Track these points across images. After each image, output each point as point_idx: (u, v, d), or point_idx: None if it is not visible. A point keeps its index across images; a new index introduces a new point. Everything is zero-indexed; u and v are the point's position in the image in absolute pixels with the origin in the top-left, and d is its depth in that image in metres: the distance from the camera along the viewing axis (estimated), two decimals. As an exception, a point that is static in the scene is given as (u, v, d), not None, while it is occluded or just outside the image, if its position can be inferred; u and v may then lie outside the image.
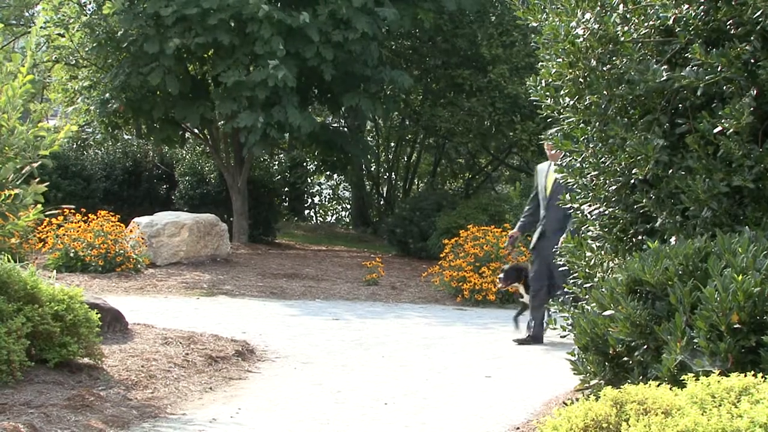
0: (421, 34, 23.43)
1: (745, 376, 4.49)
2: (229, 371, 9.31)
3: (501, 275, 12.30)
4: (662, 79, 6.44)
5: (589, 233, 7.58)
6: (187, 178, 24.94)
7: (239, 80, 18.25)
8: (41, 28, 18.74)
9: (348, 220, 33.48)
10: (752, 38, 6.26)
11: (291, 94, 18.62)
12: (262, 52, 18.08)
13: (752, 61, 6.27)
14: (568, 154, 7.48)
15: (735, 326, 5.10)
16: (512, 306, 15.51)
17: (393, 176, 31.24)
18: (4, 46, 24.05)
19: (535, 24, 7.43)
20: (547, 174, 11.48)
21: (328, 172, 30.83)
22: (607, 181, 7.17)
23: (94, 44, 19.98)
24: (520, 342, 11.65)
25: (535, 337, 11.62)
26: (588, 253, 7.32)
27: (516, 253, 14.79)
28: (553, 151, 10.80)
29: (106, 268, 16.27)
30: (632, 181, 6.95)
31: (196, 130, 22.75)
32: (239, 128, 18.97)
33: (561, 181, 10.02)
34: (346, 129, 27.73)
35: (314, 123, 19.90)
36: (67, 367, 8.29)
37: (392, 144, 31.26)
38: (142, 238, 17.49)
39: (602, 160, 7.11)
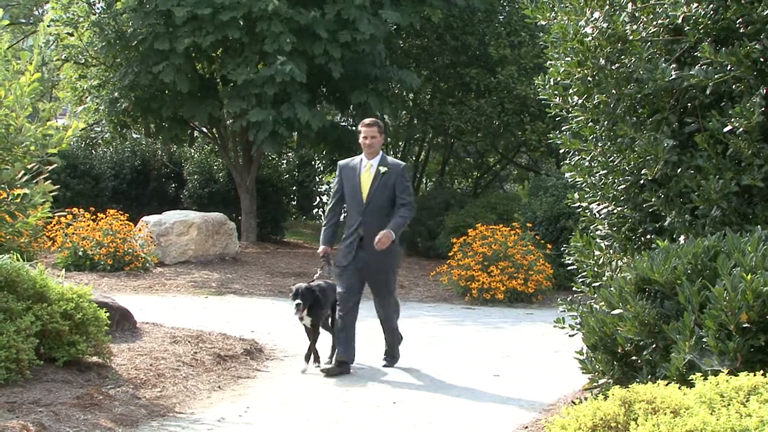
0: (429, 33, 23.41)
1: (754, 375, 4.49)
2: (238, 370, 9.32)
3: (297, 300, 9.30)
4: (671, 77, 6.44)
5: (598, 232, 7.57)
6: (195, 176, 24.98)
7: (248, 78, 18.27)
8: (48, 26, 18.77)
9: (356, 219, 33.42)
10: (762, 37, 6.25)
11: (300, 91, 18.63)
12: (271, 50, 18.11)
13: (762, 59, 6.27)
14: (577, 153, 7.49)
15: (744, 325, 5.09)
16: (522, 305, 15.53)
17: (401, 175, 31.17)
18: (12, 45, 24.09)
19: (543, 23, 7.43)
20: (360, 172, 9.53)
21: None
22: (616, 180, 7.16)
23: (103, 43, 20.02)
24: (329, 373, 9.31)
25: (345, 361, 9.46)
26: (596, 252, 7.32)
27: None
28: (369, 141, 9.49)
29: (115, 267, 16.31)
30: (641, 180, 6.95)
31: (204, 129, 22.79)
32: (248, 126, 18.98)
33: (386, 180, 9.34)
34: (354, 128, 27.72)
35: (323, 120, 19.92)
36: (75, 366, 8.30)
37: (400, 143, 31.23)
38: (151, 237, 17.52)
39: (611, 159, 7.11)
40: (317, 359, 9.66)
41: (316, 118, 19.05)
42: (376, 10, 19.16)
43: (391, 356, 9.98)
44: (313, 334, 9.64)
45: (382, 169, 9.39)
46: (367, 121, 9.62)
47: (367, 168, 9.48)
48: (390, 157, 9.77)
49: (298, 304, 9.30)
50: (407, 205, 9.41)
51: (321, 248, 9.70)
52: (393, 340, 10.02)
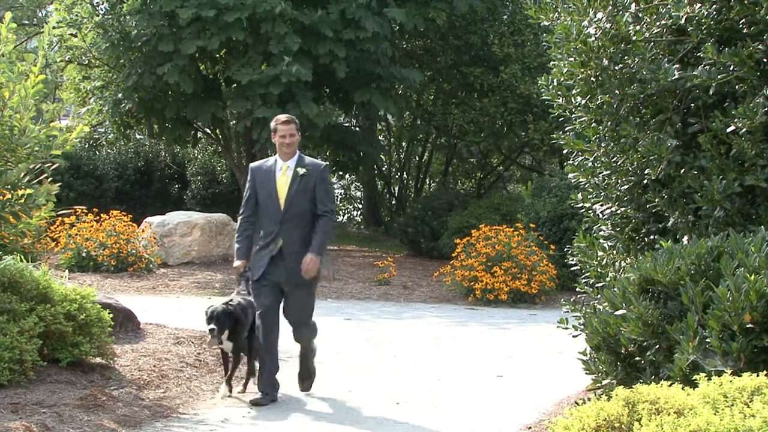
0: (433, 33, 23.42)
1: (758, 375, 4.48)
2: (241, 371, 9.32)
3: (212, 325, 8.10)
4: (674, 78, 6.44)
5: (601, 233, 7.57)
6: (198, 177, 25.00)
7: (254, 78, 18.28)
8: (54, 27, 18.82)
9: (359, 219, 33.48)
10: (765, 37, 6.25)
11: (305, 90, 18.65)
12: (276, 51, 18.12)
13: (765, 60, 6.26)
14: (580, 153, 7.48)
15: (747, 326, 5.09)
16: (525, 306, 15.53)
17: (405, 176, 31.24)
18: (16, 46, 24.12)
19: (546, 23, 7.43)
20: (275, 175, 8.38)
21: (339, 172, 30.85)
22: (619, 181, 7.16)
23: (107, 44, 20.02)
24: (256, 402, 8.17)
25: (269, 389, 8.31)
26: (600, 253, 7.32)
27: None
28: (287, 140, 8.39)
29: (118, 268, 16.33)
30: (644, 180, 6.95)
31: (207, 130, 22.80)
32: (252, 125, 18.98)
33: (306, 183, 8.25)
34: (357, 128, 27.75)
35: (329, 117, 19.93)
36: (79, 367, 8.32)
37: (404, 144, 31.24)
38: (154, 238, 17.54)
39: (614, 159, 7.11)
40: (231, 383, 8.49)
41: (321, 116, 19.08)
42: (380, 8, 19.17)
43: (308, 379, 8.82)
44: (235, 360, 8.52)
45: (301, 171, 8.31)
46: (282, 117, 8.57)
47: (283, 170, 8.36)
48: (308, 158, 8.63)
49: (212, 330, 8.09)
50: (328, 215, 8.33)
51: (237, 263, 8.50)
52: (310, 364, 8.83)
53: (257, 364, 8.55)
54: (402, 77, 20.32)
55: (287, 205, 8.25)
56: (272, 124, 8.56)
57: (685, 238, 6.52)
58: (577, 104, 7.29)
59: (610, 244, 7.41)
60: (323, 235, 8.27)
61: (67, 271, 14.70)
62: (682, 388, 4.62)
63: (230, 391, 8.37)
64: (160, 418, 7.42)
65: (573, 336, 6.86)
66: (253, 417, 7.70)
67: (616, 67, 6.85)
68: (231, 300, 8.41)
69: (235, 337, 8.31)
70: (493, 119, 22.70)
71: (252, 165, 8.70)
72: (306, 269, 8.12)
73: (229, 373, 8.45)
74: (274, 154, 8.55)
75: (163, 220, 18.28)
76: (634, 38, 6.70)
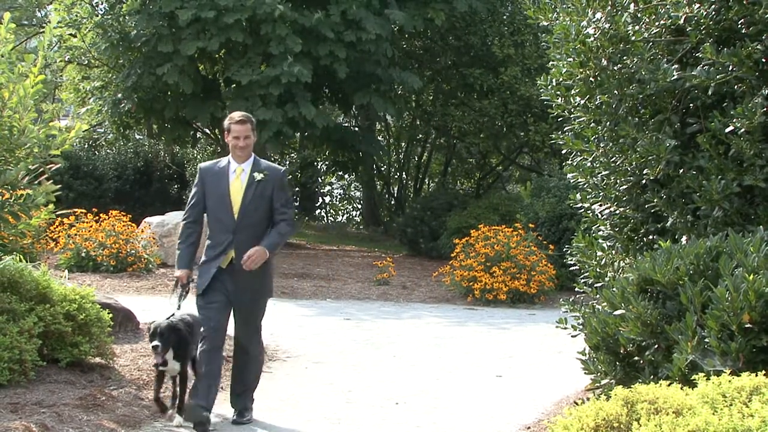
0: (432, 34, 23.42)
1: (756, 375, 4.49)
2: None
3: (155, 342, 7.16)
4: (673, 78, 6.44)
5: (600, 233, 7.57)
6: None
7: (254, 79, 18.29)
8: (54, 27, 18.81)
9: (359, 219, 33.51)
10: (764, 37, 6.25)
11: (304, 91, 18.66)
12: (276, 52, 18.13)
13: (764, 60, 6.27)
14: (579, 153, 7.49)
15: (746, 326, 5.09)
16: (524, 306, 15.54)
17: (404, 176, 31.26)
18: (16, 47, 24.13)
19: (545, 23, 7.43)
20: (228, 179, 7.48)
21: (339, 172, 30.88)
22: (618, 181, 7.16)
23: (107, 44, 20.04)
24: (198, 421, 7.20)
25: (201, 415, 7.17)
26: (599, 253, 7.32)
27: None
28: (242, 141, 7.47)
29: (118, 268, 16.32)
30: (643, 180, 6.95)
31: (207, 130, 22.81)
32: (252, 126, 18.99)
33: (263, 189, 7.43)
34: (357, 128, 27.77)
35: (328, 119, 19.96)
36: (78, 367, 8.32)
37: (403, 144, 31.26)
38: (154, 238, 17.53)
39: (613, 159, 7.11)
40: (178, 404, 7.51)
41: (320, 117, 19.10)
42: (381, 9, 19.18)
43: (244, 408, 7.65)
44: (181, 380, 7.48)
45: (258, 176, 7.43)
46: (237, 116, 7.54)
47: (237, 174, 7.46)
48: (265, 161, 7.79)
49: (155, 347, 7.18)
50: (288, 220, 7.57)
51: (179, 272, 7.51)
52: (253, 384, 7.79)
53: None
54: (401, 80, 20.34)
55: (241, 213, 7.41)
56: (226, 123, 7.58)
57: (684, 238, 6.53)
58: (576, 104, 7.29)
59: (608, 244, 7.41)
60: (279, 237, 7.50)
61: (66, 271, 14.69)
62: (681, 388, 4.62)
63: (176, 413, 7.40)
64: (159, 418, 7.41)
65: (572, 336, 6.86)
66: (252, 414, 7.69)
67: (615, 68, 6.85)
68: (173, 315, 7.39)
69: (180, 357, 7.35)
70: (492, 120, 22.72)
71: (201, 165, 7.74)
72: (249, 258, 7.28)
73: (177, 398, 7.49)
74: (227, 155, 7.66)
75: (162, 220, 18.28)
76: (633, 38, 6.70)
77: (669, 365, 5.34)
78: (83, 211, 17.25)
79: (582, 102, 7.23)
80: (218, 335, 7.39)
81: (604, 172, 7.23)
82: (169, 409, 7.50)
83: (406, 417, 7.88)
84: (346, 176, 32.81)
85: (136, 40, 19.43)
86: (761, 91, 6.20)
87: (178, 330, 7.23)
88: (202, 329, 7.40)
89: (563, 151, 7.71)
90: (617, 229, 7.37)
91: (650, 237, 7.08)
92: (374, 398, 8.55)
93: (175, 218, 18.39)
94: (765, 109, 6.11)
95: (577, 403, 5.82)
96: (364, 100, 20.07)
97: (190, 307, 7.52)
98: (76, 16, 21.50)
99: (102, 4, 21.58)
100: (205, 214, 7.63)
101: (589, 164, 7.37)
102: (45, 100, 25.07)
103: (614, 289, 5.99)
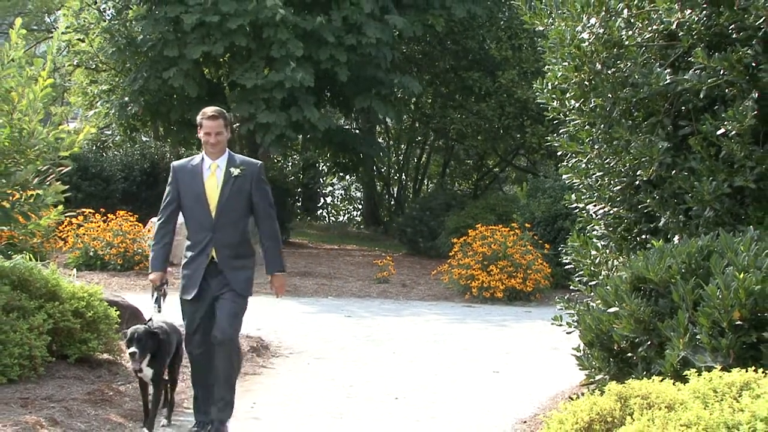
0: (431, 38, 23.43)
1: (746, 371, 4.49)
2: (244, 367, 9.32)
3: (133, 348, 6.65)
4: (665, 82, 6.44)
5: (594, 232, 7.58)
6: (203, 178, 24.95)
7: (258, 83, 18.30)
8: (63, 32, 18.81)
9: (359, 219, 33.52)
10: (753, 42, 6.25)
11: (307, 94, 18.67)
12: (278, 56, 18.12)
13: (754, 64, 6.27)
14: (574, 155, 7.50)
15: (736, 323, 5.10)
16: (520, 303, 15.54)
17: (403, 177, 31.27)
18: (25, 51, 24.17)
19: (541, 28, 7.44)
20: (203, 176, 6.95)
21: (340, 173, 30.90)
22: (612, 182, 7.17)
23: (114, 49, 20.04)
24: None
25: (203, 417, 6.95)
26: (593, 252, 7.32)
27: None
28: (213, 138, 6.87)
29: (125, 267, 16.33)
30: (636, 181, 6.96)
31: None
32: (256, 129, 19.00)
33: (241, 184, 6.89)
34: (358, 131, 27.78)
35: (330, 121, 19.96)
36: (87, 363, 8.32)
37: (402, 146, 31.27)
38: (160, 238, 17.51)
39: (607, 161, 7.11)
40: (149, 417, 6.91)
41: (323, 120, 19.11)
42: (382, 15, 19.19)
43: (220, 421, 6.87)
44: (156, 390, 6.93)
45: (235, 171, 6.89)
46: (209, 111, 6.92)
47: (212, 170, 6.91)
48: (240, 156, 7.21)
49: (133, 353, 6.66)
50: (271, 217, 7.06)
51: (153, 275, 7.04)
52: (229, 394, 6.95)
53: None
54: (401, 84, 20.35)
55: (219, 211, 6.90)
56: (198, 117, 6.98)
57: (676, 237, 6.53)
58: (571, 107, 7.30)
59: (603, 243, 7.42)
60: (275, 244, 7.09)
61: (75, 269, 14.71)
62: (673, 384, 4.62)
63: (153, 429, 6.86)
64: (160, 415, 7.41)
65: (567, 333, 6.87)
66: (256, 409, 7.70)
67: (609, 72, 6.86)
68: (150, 320, 6.99)
69: (156, 364, 6.86)
70: (490, 122, 22.73)
71: (174, 164, 7.15)
72: (279, 291, 7.16)
73: (149, 414, 6.89)
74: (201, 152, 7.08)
75: (168, 220, 18.25)
76: (627, 43, 6.71)
77: (661, 361, 5.35)
78: (91, 211, 17.27)
79: (577, 105, 7.24)
80: (206, 339, 6.86)
81: (598, 174, 7.24)
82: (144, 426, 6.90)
83: (406, 411, 7.88)
84: (347, 177, 32.84)
85: (142, 45, 19.44)
86: (751, 95, 6.20)
87: (156, 336, 6.82)
88: (184, 334, 7.00)
89: (559, 153, 7.72)
90: (611, 229, 7.38)
91: (643, 236, 7.09)
92: (374, 393, 8.55)
93: (180, 218, 18.37)
94: (755, 112, 6.12)
95: (572, 398, 5.83)
96: (365, 103, 20.08)
97: (169, 310, 7.13)
98: (84, 21, 21.49)
99: (109, 9, 21.56)
100: (181, 214, 7.19)
101: (583, 166, 7.38)
102: (54, 103, 25.12)
103: (608, 287, 6.00)
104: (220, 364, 6.84)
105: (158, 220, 7.22)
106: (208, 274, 6.91)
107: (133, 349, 6.66)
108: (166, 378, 7.09)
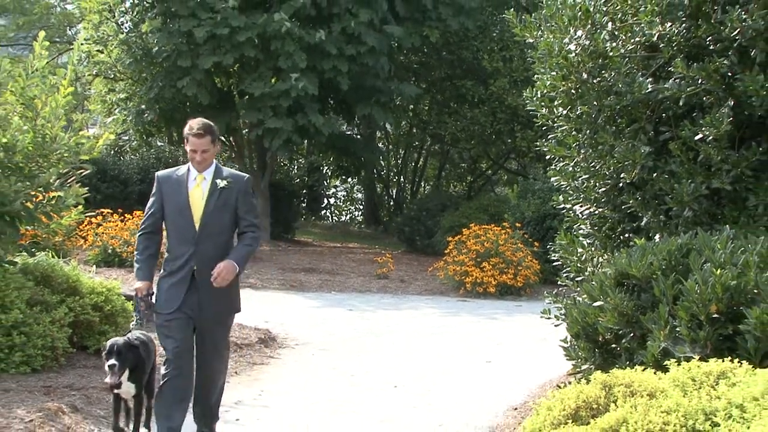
0: (428, 49, 23.43)
1: (723, 361, 4.49)
2: (253, 357, 9.33)
3: (112, 361, 6.00)
4: (647, 90, 6.45)
5: (581, 231, 7.58)
6: (214, 181, 24.92)
7: (265, 91, 18.31)
8: (82, 44, 18.81)
9: (361, 219, 33.50)
10: (730, 53, 6.26)
11: (311, 102, 18.68)
12: (285, 67, 18.13)
13: (729, 74, 6.28)
14: (561, 159, 7.49)
15: (713, 316, 5.10)
16: (511, 298, 15.54)
17: (402, 179, 31.26)
18: (48, 62, 24.17)
19: (531, 40, 7.44)
20: (188, 187, 6.26)
21: (342, 176, 30.89)
22: (597, 184, 7.17)
23: (131, 60, 20.04)
24: None
25: None
26: (579, 249, 7.32)
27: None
28: (199, 156, 6.20)
29: (141, 263, 16.28)
30: (620, 183, 6.96)
31: (222, 138, 22.78)
32: (264, 134, 19.00)
33: (227, 197, 6.23)
34: (359, 136, 27.78)
35: (333, 126, 19.97)
36: (105, 353, 8.32)
37: (401, 150, 31.27)
38: (174, 236, 17.50)
39: (593, 164, 7.11)
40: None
41: (327, 124, 19.12)
42: (381, 26, 19.19)
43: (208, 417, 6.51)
44: (136, 405, 6.36)
45: (221, 183, 6.26)
46: (195, 127, 6.20)
47: (198, 182, 6.26)
48: (227, 168, 6.54)
49: (112, 366, 5.99)
50: (254, 229, 6.35)
51: (139, 284, 6.33)
52: (214, 409, 6.55)
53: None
54: (400, 91, 20.35)
55: (204, 223, 6.19)
56: (185, 131, 6.27)
57: (657, 236, 6.54)
58: (559, 114, 7.30)
59: (588, 241, 7.42)
60: (247, 248, 6.28)
61: (94, 266, 14.69)
62: (654, 373, 4.63)
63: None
64: (179, 400, 7.40)
65: (555, 325, 6.87)
66: (264, 397, 7.70)
67: (595, 81, 6.86)
68: (130, 332, 6.44)
69: (136, 378, 6.27)
70: (483, 128, 22.73)
71: (159, 173, 6.48)
72: (218, 275, 6.07)
73: (132, 425, 6.36)
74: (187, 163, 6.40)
75: (181, 220, 18.23)
76: (611, 54, 6.71)
77: (643, 352, 5.35)
78: (109, 211, 17.26)
79: (564, 112, 7.24)
80: (186, 355, 6.17)
81: (584, 176, 7.25)
82: None
83: (404, 399, 7.88)
84: (349, 180, 32.82)
85: (157, 56, 19.43)
86: (727, 102, 6.21)
87: (135, 349, 6.21)
88: (164, 350, 6.26)
89: (547, 157, 7.72)
90: (596, 228, 7.38)
91: (626, 235, 7.09)
92: (375, 382, 8.55)
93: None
94: (731, 118, 6.13)
95: (560, 386, 5.83)
96: (366, 111, 20.09)
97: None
98: (103, 33, 21.49)
99: (127, 23, 21.55)
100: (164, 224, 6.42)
101: (570, 169, 7.38)
102: (75, 110, 25.13)
103: (593, 282, 6.00)
104: (205, 382, 6.36)
105: (140, 231, 6.46)
106: (187, 290, 6.20)
107: (112, 361, 6.00)
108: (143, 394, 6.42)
